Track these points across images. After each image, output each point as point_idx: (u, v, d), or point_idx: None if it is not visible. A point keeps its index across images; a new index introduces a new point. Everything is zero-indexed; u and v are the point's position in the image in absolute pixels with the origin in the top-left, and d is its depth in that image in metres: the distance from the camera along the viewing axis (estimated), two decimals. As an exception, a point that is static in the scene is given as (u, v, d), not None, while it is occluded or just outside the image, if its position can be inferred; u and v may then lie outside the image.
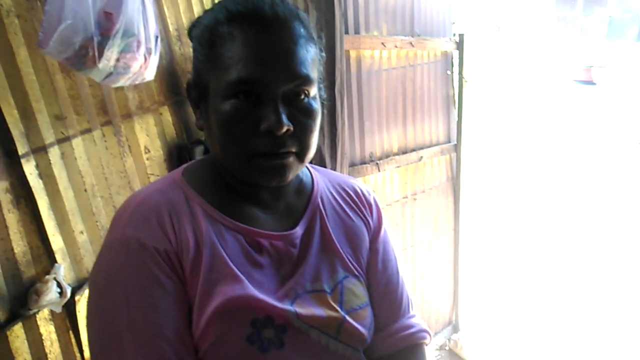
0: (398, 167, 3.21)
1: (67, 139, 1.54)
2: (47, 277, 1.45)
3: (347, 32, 2.74)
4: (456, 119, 3.54)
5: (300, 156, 0.85)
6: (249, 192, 0.90)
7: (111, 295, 0.79)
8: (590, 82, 8.41)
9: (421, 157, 3.34)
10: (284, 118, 0.79)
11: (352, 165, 2.91)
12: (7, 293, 1.38)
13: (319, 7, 2.31)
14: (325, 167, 2.36)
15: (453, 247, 3.73)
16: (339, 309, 0.89)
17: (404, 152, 3.27)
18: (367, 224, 1.00)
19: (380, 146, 3.11)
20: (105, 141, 1.67)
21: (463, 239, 3.71)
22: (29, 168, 1.43)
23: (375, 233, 1.00)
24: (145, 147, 1.81)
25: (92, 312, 0.82)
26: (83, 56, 1.25)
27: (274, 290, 0.86)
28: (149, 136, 1.82)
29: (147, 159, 1.81)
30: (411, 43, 3.08)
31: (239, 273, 0.83)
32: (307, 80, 0.81)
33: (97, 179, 1.64)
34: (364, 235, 0.98)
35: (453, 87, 3.51)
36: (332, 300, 0.89)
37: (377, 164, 3.04)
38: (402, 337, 0.99)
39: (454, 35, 3.39)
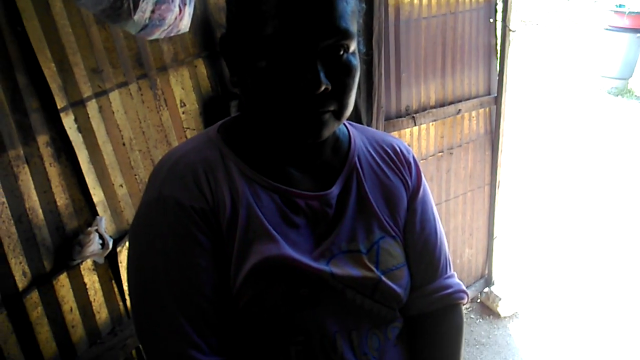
0: (435, 120, 3.13)
1: (104, 92, 1.54)
2: (89, 229, 1.49)
3: (385, -21, 2.62)
4: (497, 70, 3.40)
5: (338, 114, 0.82)
6: (285, 150, 0.88)
7: (150, 253, 0.80)
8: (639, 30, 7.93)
9: (459, 110, 3.24)
10: (322, 76, 0.75)
11: (388, 118, 2.85)
12: (52, 244, 1.43)
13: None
14: (360, 121, 2.32)
15: (488, 202, 3.67)
16: (374, 269, 0.88)
17: (442, 105, 3.18)
18: (405, 183, 0.98)
19: (417, 99, 3.03)
20: (141, 94, 1.66)
21: (499, 194, 3.64)
22: (68, 122, 1.44)
23: (413, 193, 0.98)
24: (181, 101, 1.79)
25: (133, 268, 0.83)
26: (118, 8, 1.22)
27: (310, 250, 0.85)
28: (184, 89, 1.80)
29: (183, 113, 1.80)
30: (453, -11, 2.93)
31: (274, 233, 0.83)
32: (347, 35, 0.77)
33: (135, 133, 1.64)
34: (402, 195, 0.97)
35: (496, 36, 3.35)
36: (367, 260, 0.89)
37: (413, 117, 2.97)
38: (438, 297, 0.98)
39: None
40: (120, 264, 1.58)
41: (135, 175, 1.64)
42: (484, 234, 3.72)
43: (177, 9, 1.39)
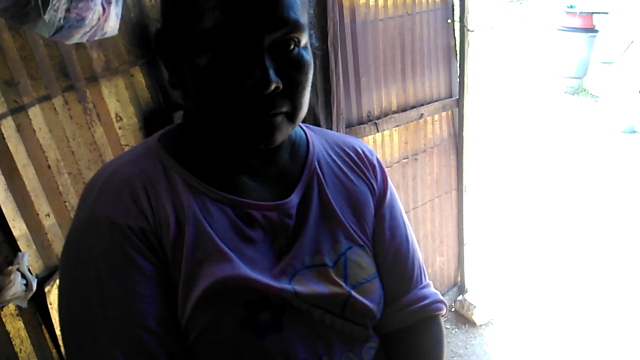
0: (398, 125, 3.00)
1: (22, 108, 1.33)
2: (9, 268, 1.27)
3: (338, -21, 2.49)
4: (458, 72, 3.31)
5: (291, 116, 0.74)
6: (235, 158, 0.80)
7: (82, 283, 0.70)
8: (591, 29, 8.10)
9: (422, 114, 3.13)
10: (272, 73, 0.67)
11: (349, 125, 2.71)
12: (-38, 289, 1.21)
13: (306, -51, 2.06)
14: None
15: (456, 207, 3.57)
16: (343, 283, 0.81)
17: (404, 110, 3.06)
18: (371, 187, 0.91)
19: (378, 104, 2.90)
20: (68, 109, 1.46)
21: (466, 199, 3.54)
22: (-24, 144, 1.23)
23: (380, 197, 0.91)
24: (117, 115, 1.60)
25: (63, 303, 0.73)
26: (24, 6, 1.03)
27: (269, 268, 0.77)
28: (120, 101, 1.61)
29: (120, 128, 1.60)
30: (406, -11, 2.82)
31: (227, 250, 0.74)
32: (296, 27, 0.69)
33: (63, 153, 1.44)
34: (368, 200, 0.90)
35: (454, 37, 3.27)
36: (335, 274, 0.81)
37: (375, 123, 2.84)
38: (415, 309, 0.91)
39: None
40: (50, 306, 1.36)
41: (65, 202, 1.43)
42: (454, 241, 3.61)
43: (99, 8, 1.21)
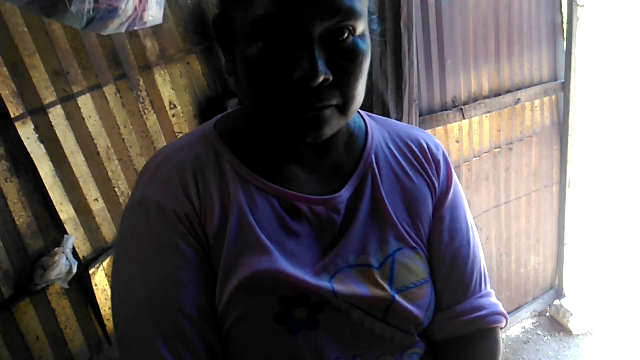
0: (489, 112, 2.76)
1: (72, 97, 1.38)
2: (55, 249, 1.34)
3: (422, -46, 2.32)
4: (565, 52, 2.97)
5: (343, 109, 0.70)
6: (287, 148, 0.77)
7: (130, 264, 0.73)
8: None
9: (518, 99, 2.85)
10: (321, 65, 0.64)
11: (431, 112, 2.54)
12: (12, 268, 1.29)
13: None
14: (388, 117, 2.03)
15: (558, 203, 3.24)
16: (387, 287, 0.77)
17: (497, 95, 2.81)
18: (431, 185, 0.85)
19: (466, 89, 2.68)
20: (120, 97, 1.50)
21: (570, 195, 3.20)
22: (26, 132, 1.30)
23: (442, 197, 0.85)
24: (171, 102, 1.61)
25: (114, 281, 0.76)
26: (47, 0, 1.05)
27: (312, 263, 0.75)
28: (175, 90, 1.62)
29: (174, 116, 1.62)
30: (505, -38, 2.56)
31: (268, 243, 0.73)
32: (351, 14, 0.65)
33: (113, 141, 1.48)
34: (427, 199, 0.84)
35: (562, 13, 2.92)
36: (379, 276, 0.77)
37: (461, 109, 2.63)
38: (469, 320, 0.84)
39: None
40: (95, 287, 1.42)
41: (115, 187, 1.48)
42: (553, 240, 3.30)
43: (134, -2, 1.20)
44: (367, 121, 0.86)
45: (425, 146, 0.87)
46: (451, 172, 0.87)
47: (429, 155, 0.86)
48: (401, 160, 0.85)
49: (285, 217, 0.75)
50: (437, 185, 0.85)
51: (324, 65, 0.65)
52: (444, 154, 0.88)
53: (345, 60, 0.67)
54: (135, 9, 1.24)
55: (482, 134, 2.82)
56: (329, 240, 0.77)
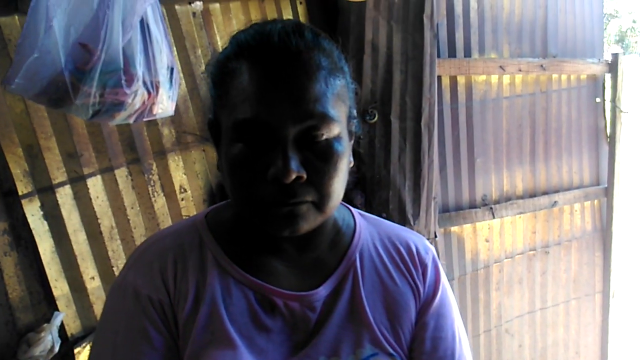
0: (522, 213, 2.67)
1: (82, 178, 1.45)
2: (43, 326, 1.36)
3: (454, 56, 2.36)
4: (607, 156, 2.87)
5: (319, 205, 0.72)
6: (269, 241, 0.78)
7: (102, 344, 0.75)
8: None
9: (555, 201, 2.75)
10: (293, 164, 0.68)
11: (458, 209, 2.48)
12: (-2, 340, 1.32)
13: (405, 29, 1.98)
14: (404, 212, 2.00)
15: (600, 314, 3.02)
16: None
17: (532, 196, 2.72)
18: (415, 290, 0.82)
19: (497, 187, 2.62)
20: (131, 180, 1.56)
21: (614, 305, 2.98)
22: (32, 209, 1.36)
23: (426, 302, 0.82)
24: (181, 187, 1.66)
25: (89, 356, 0.78)
26: (53, 93, 1.13)
27: None
28: (187, 174, 1.67)
29: (182, 199, 1.66)
30: (542, 65, 2.56)
31: (235, 337, 0.72)
32: (323, 120, 0.70)
33: (118, 221, 1.53)
34: (409, 303, 0.81)
35: (605, 117, 2.85)
36: None
37: (491, 208, 2.56)
38: None
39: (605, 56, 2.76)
40: (79, 366, 1.42)
41: (113, 266, 1.51)
42: (595, 354, 3.04)
43: (142, 92, 1.27)
44: (356, 219, 0.86)
45: (414, 249, 0.85)
46: (439, 277, 0.84)
47: (417, 258, 0.84)
48: (387, 261, 0.83)
49: (259, 311, 0.74)
50: (422, 290, 0.82)
51: (297, 163, 0.68)
52: (433, 259, 0.85)
53: (319, 160, 0.70)
54: (144, 102, 1.31)
55: (515, 234, 2.72)
56: (301, 338, 0.75)
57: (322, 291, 0.77)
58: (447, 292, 0.85)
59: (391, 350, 0.77)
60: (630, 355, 3.36)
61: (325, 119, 0.70)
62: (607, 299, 3.00)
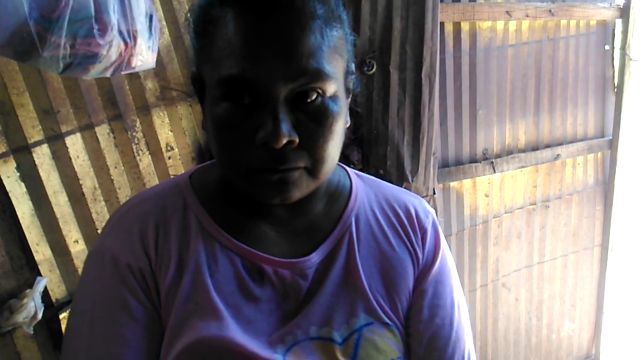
0: (523, 167, 2.60)
1: (60, 136, 1.36)
2: (25, 291, 1.31)
3: (458, 0, 2.22)
4: (614, 107, 2.77)
5: (313, 171, 0.67)
6: (258, 205, 0.73)
7: (79, 313, 0.71)
8: None
9: (558, 155, 2.67)
10: (284, 127, 0.62)
11: (458, 164, 2.40)
12: (-21, 307, 1.27)
13: (406, -29, 1.84)
14: (402, 169, 1.92)
15: (598, 267, 3.01)
16: None
17: (535, 149, 2.64)
18: (413, 255, 0.78)
19: (499, 141, 2.54)
20: (114, 137, 1.47)
21: (612, 259, 2.96)
22: (7, 170, 1.28)
23: (425, 269, 0.79)
24: (167, 144, 1.58)
25: (66, 325, 0.74)
26: (19, 44, 1.02)
27: (268, 332, 0.70)
28: (173, 131, 1.59)
29: (169, 158, 1.58)
30: (550, 10, 2.42)
31: (221, 306, 0.68)
32: (317, 76, 0.64)
33: (101, 181, 1.45)
34: (407, 270, 0.77)
35: (613, 66, 2.73)
36: (341, 353, 0.70)
37: (492, 162, 2.48)
38: None
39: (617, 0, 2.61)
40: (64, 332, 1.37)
41: (98, 229, 1.45)
42: (591, 306, 3.05)
43: (117, 42, 1.17)
44: (353, 180, 0.81)
45: (413, 212, 0.81)
46: (439, 242, 0.81)
47: (416, 222, 0.80)
48: (384, 225, 0.79)
49: (246, 279, 0.71)
50: (420, 256, 0.79)
51: (288, 126, 0.63)
52: (433, 223, 0.82)
53: (312, 122, 0.65)
54: (121, 54, 1.20)
55: (515, 188, 2.66)
56: (292, 308, 0.72)
57: (315, 257, 0.74)
58: (447, 258, 0.81)
59: (387, 320, 0.74)
60: (626, 307, 3.39)
61: (320, 75, 0.64)
62: (605, 252, 2.98)
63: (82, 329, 0.69)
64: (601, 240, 2.98)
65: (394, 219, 0.80)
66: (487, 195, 2.55)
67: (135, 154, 1.52)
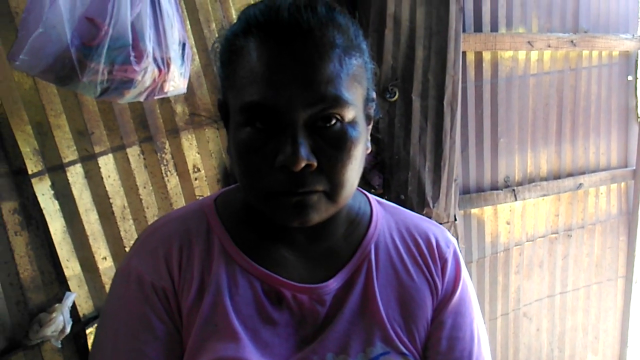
0: (545, 195, 2.59)
1: (93, 156, 1.42)
2: (55, 306, 1.35)
3: (480, 30, 2.26)
4: (637, 137, 2.76)
5: (331, 195, 0.68)
6: (279, 230, 0.74)
7: (104, 329, 0.74)
8: None
9: (580, 184, 2.66)
10: (302, 150, 0.64)
11: (480, 190, 2.41)
12: (10, 320, 1.31)
13: (429, 2, 1.89)
14: (423, 195, 1.94)
15: (622, 299, 2.96)
16: None
17: (557, 177, 2.64)
18: (432, 286, 0.78)
19: (521, 169, 2.54)
20: (144, 159, 1.52)
21: (637, 290, 2.91)
22: (42, 188, 1.33)
23: (444, 300, 0.78)
24: (194, 166, 1.62)
25: (93, 340, 0.77)
26: (60, 70, 1.08)
27: (285, 356, 0.70)
28: (200, 154, 1.63)
29: (196, 179, 1.62)
30: (572, 41, 2.44)
31: (239, 329, 0.69)
32: (335, 102, 0.65)
33: (130, 200, 1.50)
34: (425, 300, 0.77)
35: (636, 96, 2.73)
36: None
37: (513, 190, 2.48)
38: None
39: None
40: (90, 347, 1.41)
41: (125, 247, 1.49)
42: (615, 339, 2.99)
43: (152, 69, 1.22)
44: (373, 207, 0.82)
45: (434, 241, 0.80)
46: (460, 273, 0.80)
47: (436, 252, 0.79)
48: (403, 254, 0.79)
49: (265, 303, 0.72)
50: (440, 286, 0.78)
51: (307, 150, 0.64)
52: (454, 253, 0.81)
53: (331, 146, 0.66)
54: (155, 80, 1.26)
55: (537, 217, 2.65)
56: (309, 333, 0.72)
57: (333, 284, 0.74)
58: (468, 288, 0.81)
59: (404, 349, 0.73)
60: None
61: (339, 102, 0.65)
62: (629, 284, 2.92)
63: (106, 344, 0.72)
64: (625, 272, 2.93)
65: (413, 248, 0.80)
66: (508, 223, 2.54)
67: (164, 175, 1.57)
